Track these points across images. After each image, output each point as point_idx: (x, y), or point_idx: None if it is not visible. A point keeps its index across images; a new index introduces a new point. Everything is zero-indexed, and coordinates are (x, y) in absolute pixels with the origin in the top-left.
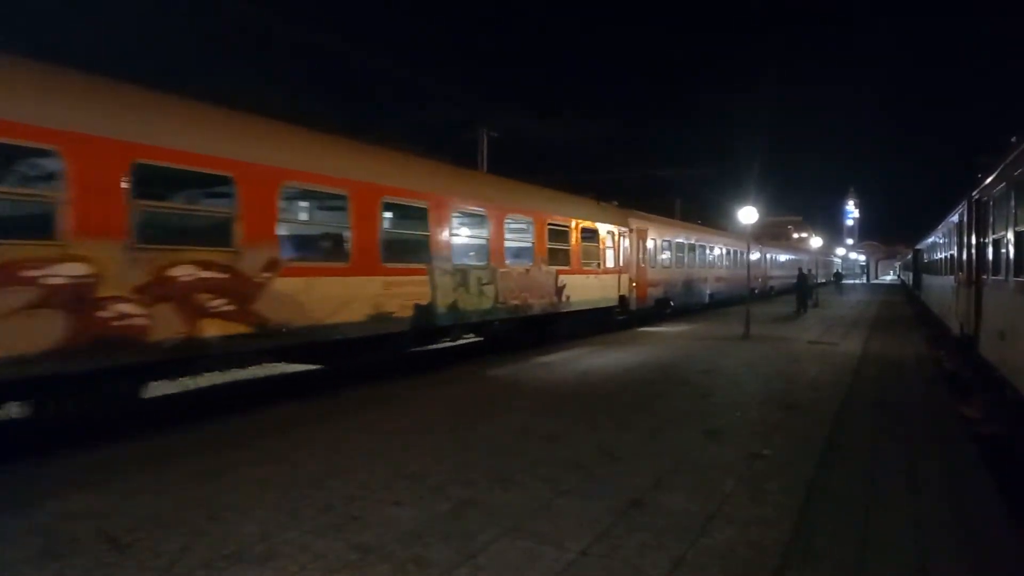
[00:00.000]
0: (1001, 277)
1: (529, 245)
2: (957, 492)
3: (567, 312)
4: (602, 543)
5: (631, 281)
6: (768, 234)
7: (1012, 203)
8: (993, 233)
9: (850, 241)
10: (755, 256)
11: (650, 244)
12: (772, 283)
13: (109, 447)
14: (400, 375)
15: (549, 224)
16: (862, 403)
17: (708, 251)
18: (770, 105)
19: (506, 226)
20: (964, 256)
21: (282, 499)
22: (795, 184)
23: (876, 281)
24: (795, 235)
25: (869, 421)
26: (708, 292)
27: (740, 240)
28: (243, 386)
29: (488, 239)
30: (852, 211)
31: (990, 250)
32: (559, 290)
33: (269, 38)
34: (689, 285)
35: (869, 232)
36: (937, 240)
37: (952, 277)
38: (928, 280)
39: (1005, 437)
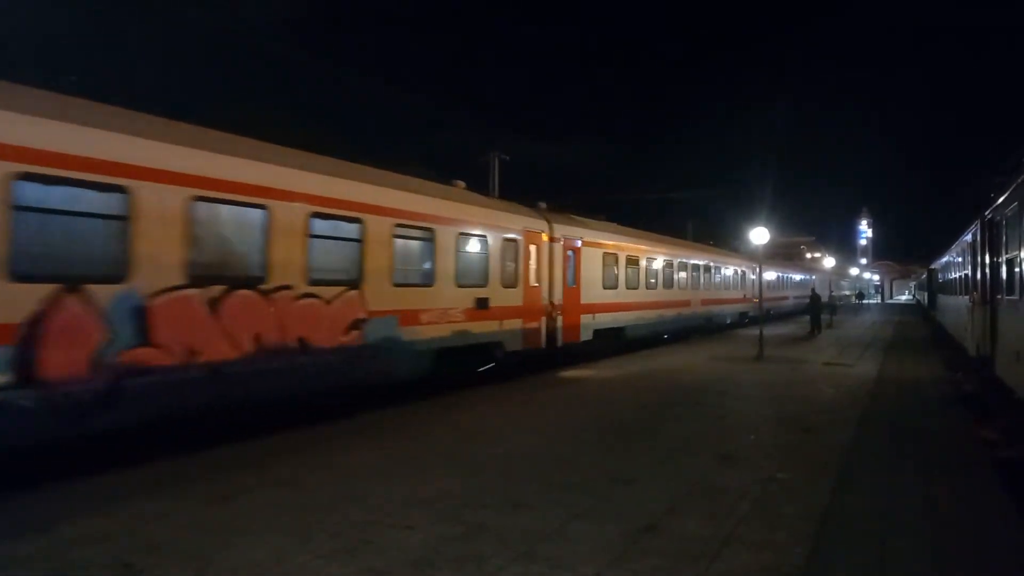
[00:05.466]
0: (1015, 297)
1: None
2: (975, 517)
3: None
4: (615, 568)
5: None
6: (781, 254)
7: None
8: (1007, 252)
9: (864, 261)
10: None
11: None
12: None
13: (123, 470)
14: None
15: None
16: (878, 426)
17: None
18: (782, 127)
19: None
20: (978, 275)
21: (294, 523)
22: (807, 204)
23: (891, 301)
24: (808, 255)
25: (886, 444)
26: None
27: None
28: (255, 409)
29: None
30: (865, 231)
31: (1004, 269)
32: None
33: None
34: None
35: (884, 251)
36: (951, 259)
37: (967, 297)
38: (943, 300)
39: None
